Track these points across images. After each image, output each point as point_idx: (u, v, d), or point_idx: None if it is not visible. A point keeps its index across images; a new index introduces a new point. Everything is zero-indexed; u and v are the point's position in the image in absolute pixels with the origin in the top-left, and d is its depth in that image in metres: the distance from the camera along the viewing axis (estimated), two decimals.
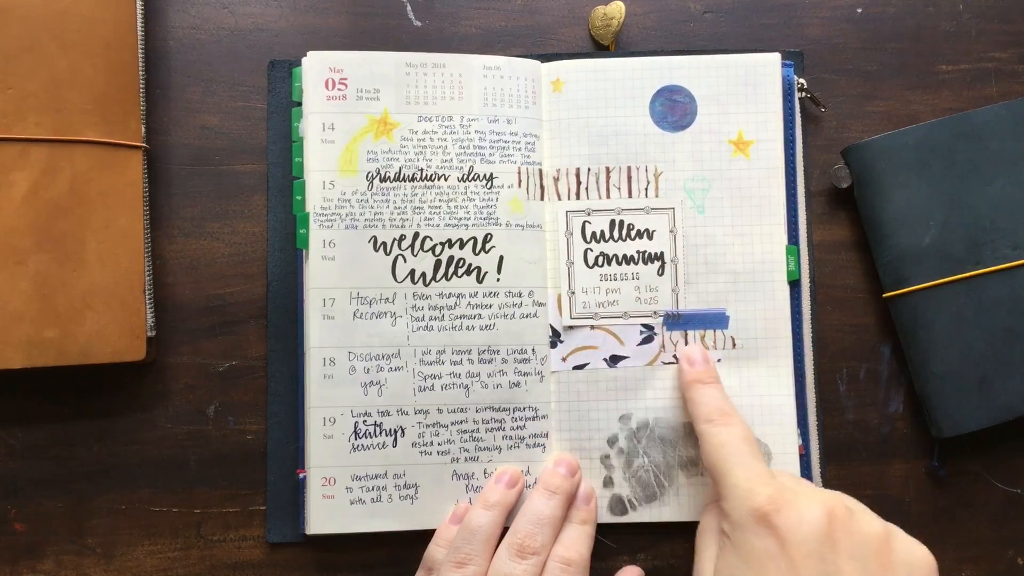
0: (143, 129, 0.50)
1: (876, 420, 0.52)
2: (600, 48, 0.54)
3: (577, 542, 0.48)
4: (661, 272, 0.51)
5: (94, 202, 0.48)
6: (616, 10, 0.53)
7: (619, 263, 0.51)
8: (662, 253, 0.51)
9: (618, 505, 0.50)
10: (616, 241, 0.51)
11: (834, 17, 0.54)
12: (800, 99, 0.52)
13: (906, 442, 0.52)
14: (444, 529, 0.49)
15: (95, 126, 0.48)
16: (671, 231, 0.51)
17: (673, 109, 0.51)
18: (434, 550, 0.48)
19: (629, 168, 0.51)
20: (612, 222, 0.51)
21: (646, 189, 0.51)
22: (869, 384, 0.53)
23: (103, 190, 0.48)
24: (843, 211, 0.53)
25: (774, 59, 0.52)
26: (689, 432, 0.50)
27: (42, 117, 0.48)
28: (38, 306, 0.47)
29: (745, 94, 0.51)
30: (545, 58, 0.52)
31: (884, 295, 0.52)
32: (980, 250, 0.50)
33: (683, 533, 0.50)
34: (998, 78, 0.54)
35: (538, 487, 0.49)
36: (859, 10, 0.54)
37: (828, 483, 0.52)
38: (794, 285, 0.51)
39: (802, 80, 0.52)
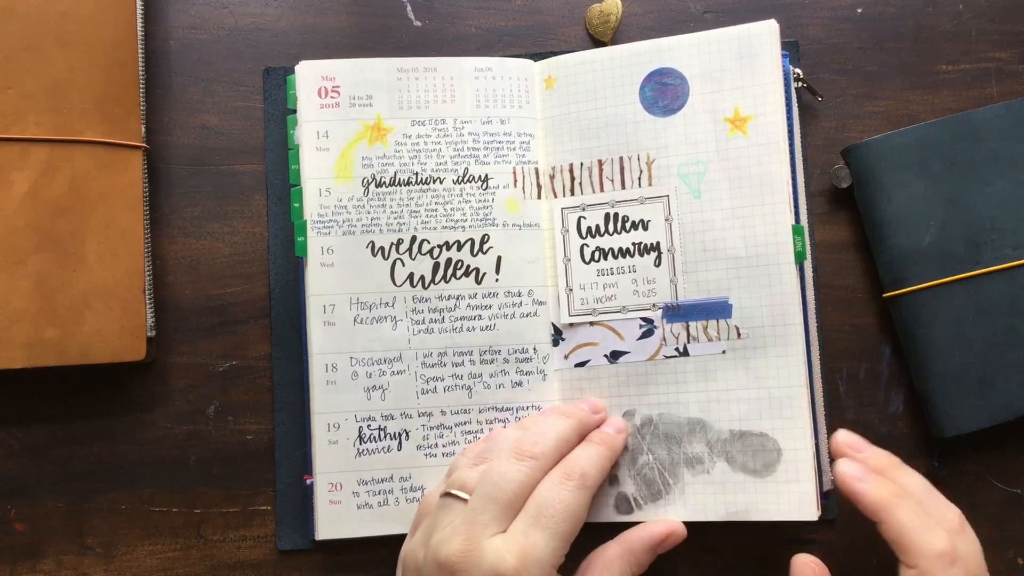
0: (143, 129, 0.50)
1: (876, 420, 0.52)
2: (599, 47, 0.54)
3: (585, 458, 0.45)
4: (658, 263, 0.50)
5: (94, 202, 0.48)
6: (612, 6, 0.53)
7: (615, 256, 0.51)
8: (658, 243, 0.50)
9: (624, 503, 0.50)
10: (611, 235, 0.51)
11: (834, 17, 0.54)
12: (796, 89, 0.51)
13: (906, 442, 0.52)
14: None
15: (95, 126, 0.48)
16: (666, 220, 0.50)
17: (663, 93, 0.50)
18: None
19: (621, 159, 0.51)
20: (607, 215, 0.51)
21: (639, 178, 0.50)
22: (869, 384, 0.52)
23: (103, 190, 0.48)
24: (843, 211, 0.53)
25: (770, 26, 0.49)
26: (694, 429, 0.49)
27: (42, 117, 0.48)
28: (38, 306, 0.47)
29: (740, 68, 0.50)
30: (541, 57, 0.52)
31: (884, 295, 0.52)
32: (980, 250, 0.50)
33: (690, 532, 0.50)
34: (998, 78, 0.54)
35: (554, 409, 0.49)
36: (859, 10, 0.54)
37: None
38: (800, 269, 0.49)
39: (798, 70, 0.51)
